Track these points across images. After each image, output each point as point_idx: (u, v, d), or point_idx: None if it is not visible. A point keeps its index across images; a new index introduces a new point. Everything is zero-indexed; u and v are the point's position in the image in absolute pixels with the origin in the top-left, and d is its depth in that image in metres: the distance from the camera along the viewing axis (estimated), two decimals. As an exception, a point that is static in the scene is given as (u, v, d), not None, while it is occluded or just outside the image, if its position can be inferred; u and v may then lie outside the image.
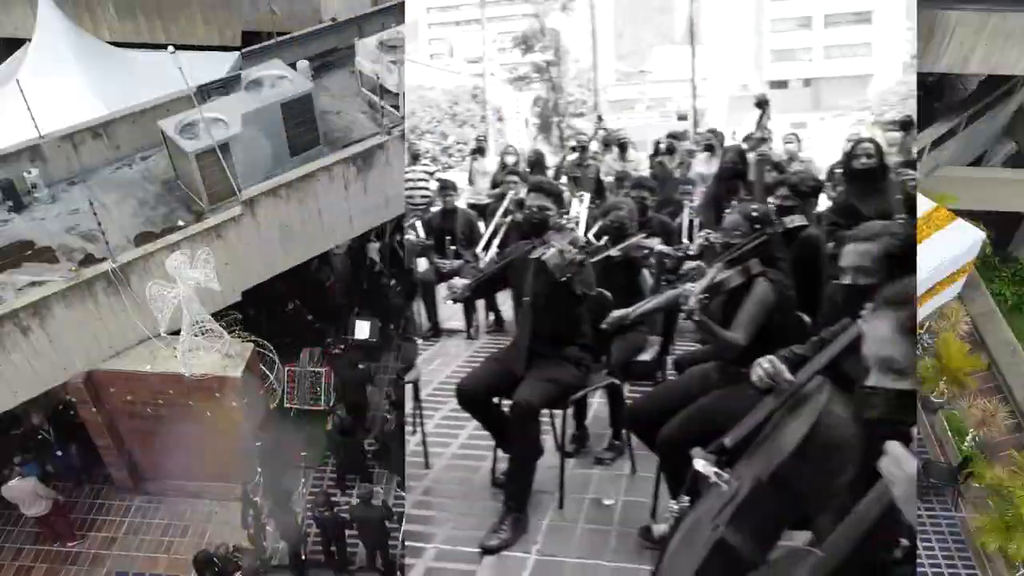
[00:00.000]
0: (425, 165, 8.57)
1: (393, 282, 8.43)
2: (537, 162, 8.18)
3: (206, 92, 7.55)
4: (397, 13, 8.56)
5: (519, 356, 4.06)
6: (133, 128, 7.53)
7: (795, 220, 4.46)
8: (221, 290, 6.35)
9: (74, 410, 6.82)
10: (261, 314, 7.62)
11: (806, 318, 3.60)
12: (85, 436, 7.12)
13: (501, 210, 6.56)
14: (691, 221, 6.47)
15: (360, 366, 7.61)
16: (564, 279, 3.49)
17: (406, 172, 8.89)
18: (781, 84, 30.40)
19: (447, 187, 7.45)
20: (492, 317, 7.58)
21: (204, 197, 6.93)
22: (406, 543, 3.92)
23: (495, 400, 4.10)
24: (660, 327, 4.93)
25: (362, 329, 8.35)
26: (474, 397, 4.09)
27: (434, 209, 7.17)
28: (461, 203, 7.82)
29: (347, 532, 6.60)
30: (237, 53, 10.05)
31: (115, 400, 6.73)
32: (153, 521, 7.42)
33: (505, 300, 7.19)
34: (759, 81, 31.65)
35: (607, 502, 4.21)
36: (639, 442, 4.04)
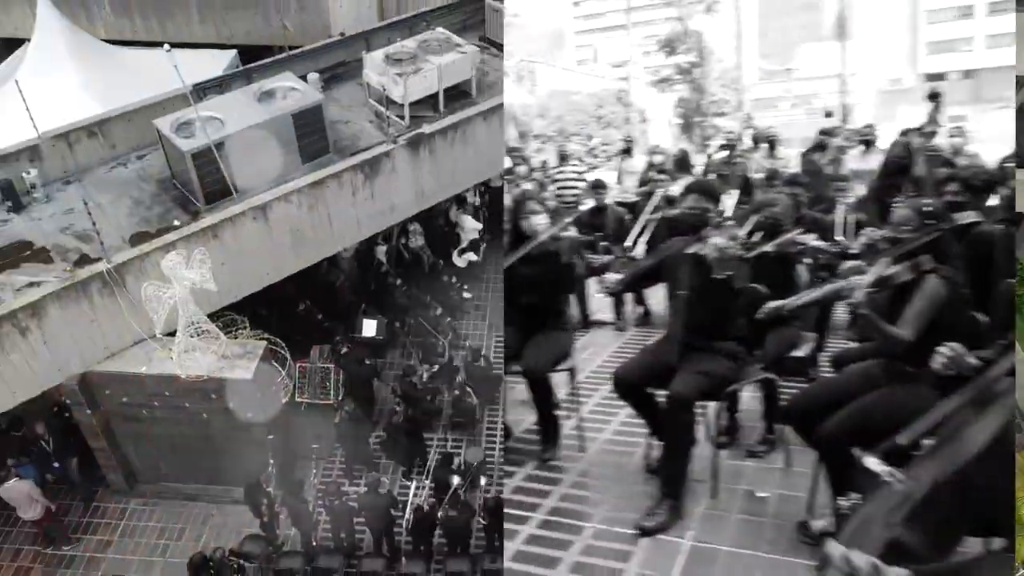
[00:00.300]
0: (575, 165, 8.54)
1: (399, 282, 9.42)
2: (683, 161, 8.20)
3: (202, 91, 8.24)
4: (403, 28, 9.82)
5: (673, 348, 4.37)
6: (129, 127, 8.11)
7: (968, 216, 4.07)
8: (218, 290, 6.84)
9: (69, 412, 7.33)
10: (273, 314, 8.49)
11: (982, 317, 3.28)
12: (84, 445, 7.57)
13: (650, 207, 6.31)
14: (845, 218, 6.58)
15: (367, 362, 8.43)
16: (723, 276, 3.34)
17: (556, 172, 8.74)
18: (937, 76, 27.85)
19: (598, 186, 8.53)
20: (640, 310, 8.42)
21: (200, 196, 7.46)
22: (563, 520, 4.34)
23: (649, 390, 4.46)
24: (813, 323, 5.33)
25: (369, 327, 9.04)
26: (630, 386, 4.46)
27: (583, 207, 7.02)
28: (609, 201, 8.72)
29: (355, 519, 7.34)
30: (234, 51, 11.20)
31: (110, 402, 7.19)
32: (149, 524, 7.69)
33: (652, 294, 7.98)
34: (913, 74, 29.21)
35: (761, 494, 4.45)
36: (793, 436, 4.28)
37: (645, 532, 4.01)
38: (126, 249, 6.95)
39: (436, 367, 8.66)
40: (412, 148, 8.08)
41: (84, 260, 6.88)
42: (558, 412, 5.20)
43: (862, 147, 8.67)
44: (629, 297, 8.21)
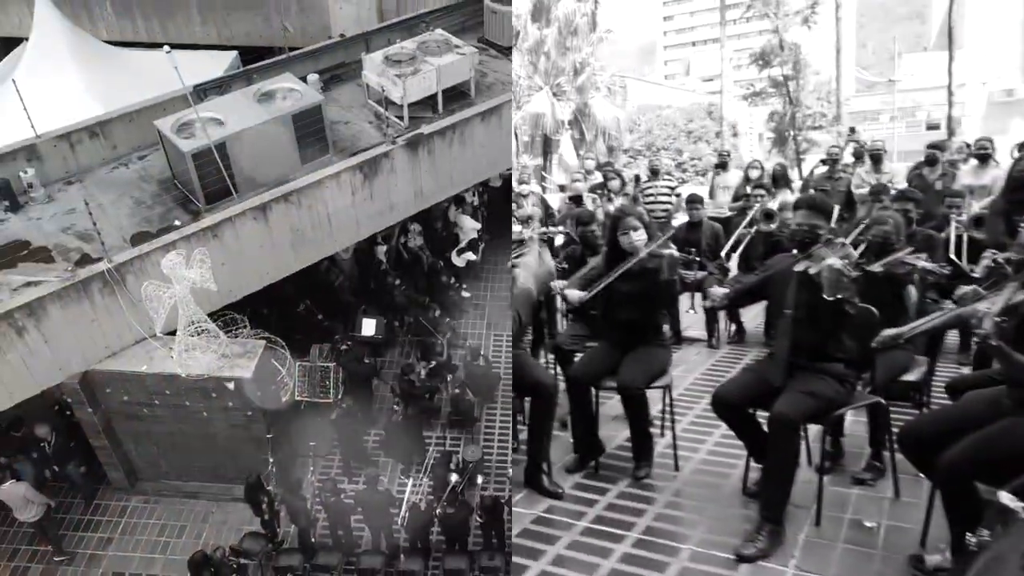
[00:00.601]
0: (667, 180, 8.51)
1: (398, 282, 9.74)
2: (782, 176, 8.03)
3: (202, 92, 8.66)
4: (402, 29, 10.37)
5: (778, 368, 4.31)
6: (130, 128, 8.51)
7: (1105, 237, 3.91)
8: (218, 290, 7.16)
9: (71, 411, 7.65)
10: (273, 313, 8.90)
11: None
12: (86, 444, 7.86)
13: (746, 221, 6.12)
14: (959, 236, 6.47)
15: (366, 361, 8.89)
16: (835, 297, 3.21)
17: (648, 187, 8.69)
18: (1055, 87, 26.36)
19: (694, 201, 8.62)
20: (733, 328, 8.59)
21: (201, 197, 7.79)
22: (657, 541, 4.29)
23: (750, 410, 4.49)
24: (924, 347, 5.07)
25: (368, 326, 9.41)
26: (730, 405, 4.44)
27: (675, 221, 6.97)
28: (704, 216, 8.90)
29: (353, 516, 7.79)
30: (235, 52, 11.73)
31: (111, 401, 7.53)
32: (149, 521, 7.92)
33: (744, 311, 7.99)
34: (1027, 84, 27.77)
35: (869, 524, 4.32)
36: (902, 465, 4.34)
37: (744, 559, 3.91)
38: (127, 249, 7.19)
39: (433, 363, 9.07)
40: (411, 148, 8.49)
41: (85, 260, 7.09)
42: (652, 429, 5.12)
43: (975, 162, 8.17)
44: (722, 314, 8.01)
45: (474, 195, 10.80)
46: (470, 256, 10.65)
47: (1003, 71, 36.90)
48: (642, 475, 5.10)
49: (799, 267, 4.24)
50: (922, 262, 5.31)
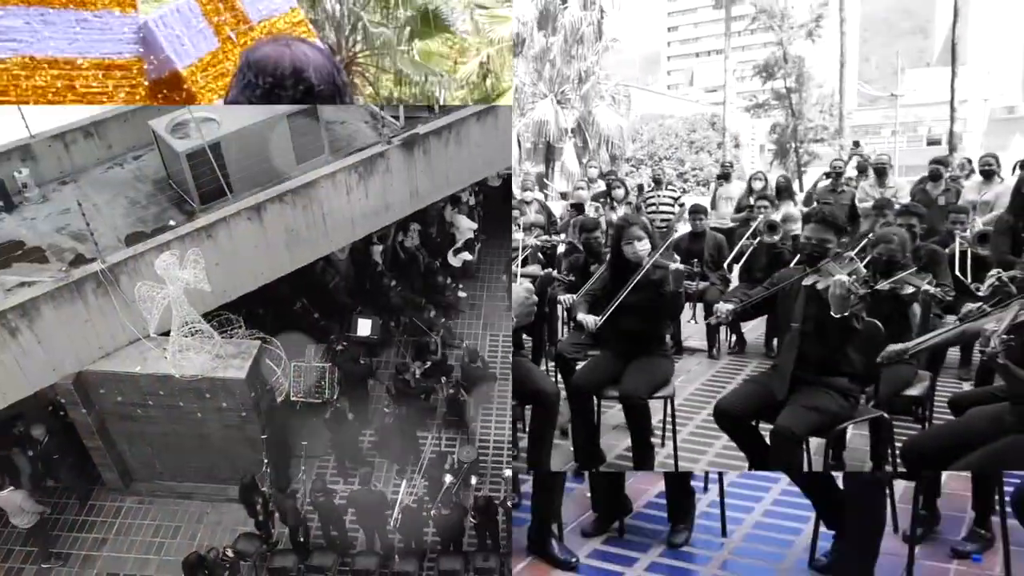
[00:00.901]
0: (670, 190, 8.50)
1: (394, 282, 9.81)
2: (785, 187, 8.06)
3: None
4: None
5: (782, 381, 4.32)
6: (124, 127, 8.47)
7: (1115, 255, 3.92)
8: (212, 290, 7.20)
9: (64, 411, 7.66)
10: (269, 313, 8.92)
11: None
12: (80, 444, 7.85)
13: (749, 232, 6.78)
14: (963, 252, 6.46)
15: (362, 361, 8.93)
16: (843, 314, 4.05)
17: (649, 196, 8.77)
18: (1058, 105, 26.58)
19: (698, 211, 8.71)
20: (734, 339, 8.58)
21: (195, 197, 7.77)
22: None
23: (753, 422, 4.50)
24: (926, 362, 5.09)
25: (364, 327, 9.32)
26: (732, 417, 4.42)
27: (676, 232, 7.05)
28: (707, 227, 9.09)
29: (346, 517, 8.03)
30: None
31: (104, 401, 7.54)
32: (144, 522, 8.17)
33: (746, 323, 8.00)
34: (1029, 102, 28.02)
35: None
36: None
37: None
38: (121, 249, 7.18)
39: (428, 363, 9.12)
40: (407, 148, 8.48)
41: (79, 260, 7.06)
42: (652, 439, 5.11)
43: (979, 178, 8.21)
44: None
45: (470, 195, 10.81)
46: (466, 256, 10.63)
47: (1005, 88, 37.16)
48: (680, 541, 4.67)
49: (807, 281, 4.25)
50: (926, 284, 5.14)
